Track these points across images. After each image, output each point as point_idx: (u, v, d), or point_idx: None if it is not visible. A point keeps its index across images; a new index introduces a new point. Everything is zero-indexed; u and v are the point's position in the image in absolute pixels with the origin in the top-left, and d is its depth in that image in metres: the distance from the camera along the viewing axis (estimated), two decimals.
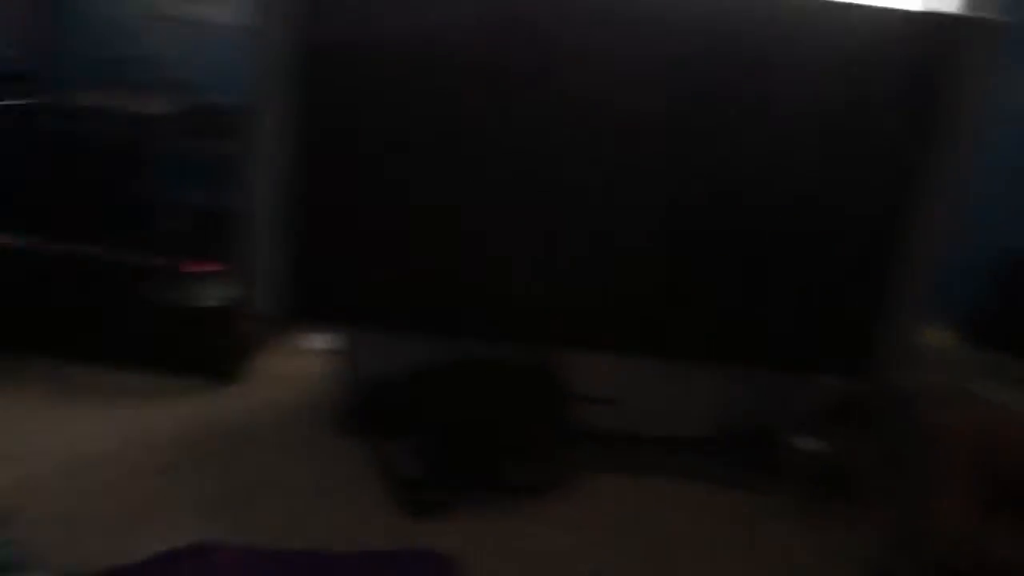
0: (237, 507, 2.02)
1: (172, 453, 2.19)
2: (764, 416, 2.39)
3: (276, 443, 2.29)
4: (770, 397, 2.39)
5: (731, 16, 2.04)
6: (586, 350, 2.33)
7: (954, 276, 2.37)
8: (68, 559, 1.70)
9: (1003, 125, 2.37)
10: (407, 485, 2.11)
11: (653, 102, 2.08)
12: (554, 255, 2.20)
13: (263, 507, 2.03)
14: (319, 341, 2.70)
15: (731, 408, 2.42)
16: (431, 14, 2.07)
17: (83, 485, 2.03)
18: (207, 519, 1.95)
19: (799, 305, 2.28)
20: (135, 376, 2.53)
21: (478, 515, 2.09)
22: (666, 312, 2.26)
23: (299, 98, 2.12)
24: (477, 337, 2.29)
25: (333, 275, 2.27)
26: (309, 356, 2.74)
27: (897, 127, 2.11)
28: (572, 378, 2.36)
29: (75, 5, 3.00)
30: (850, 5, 2.06)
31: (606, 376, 2.41)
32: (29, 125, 2.67)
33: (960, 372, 2.58)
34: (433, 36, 2.06)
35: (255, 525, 1.94)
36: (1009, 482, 1.79)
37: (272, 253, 2.26)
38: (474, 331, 2.28)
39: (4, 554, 1.66)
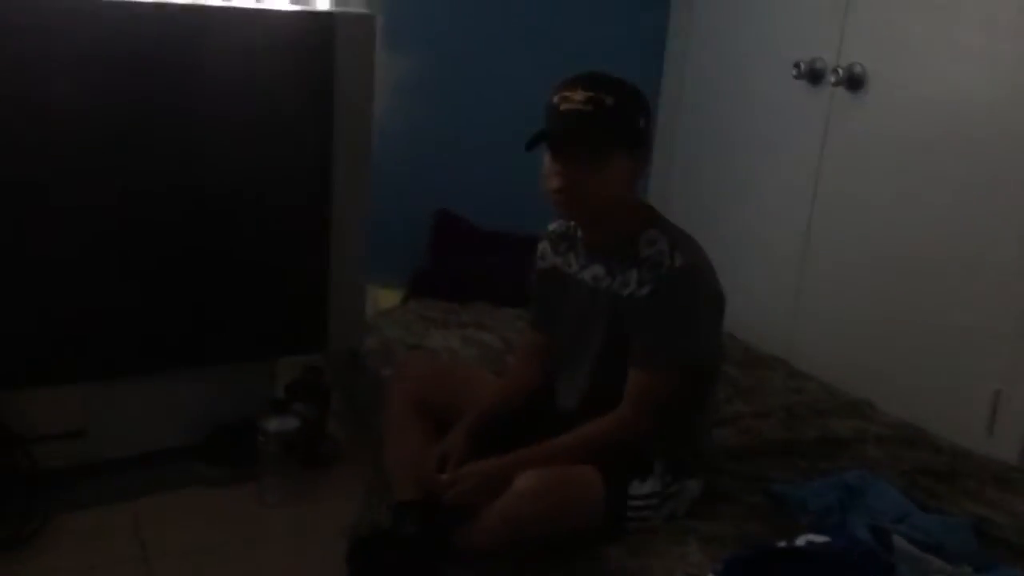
0: None
1: None
2: (243, 407, 2.31)
3: None
4: (244, 388, 2.37)
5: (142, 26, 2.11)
6: (40, 385, 2.16)
7: (394, 239, 2.80)
8: None
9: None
10: None
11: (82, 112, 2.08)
12: None
13: None
14: None
15: (213, 407, 2.37)
16: None
17: None
18: None
19: (250, 297, 2.35)
20: None
21: None
22: (117, 326, 2.21)
23: None
24: None
25: None
26: None
27: (301, 115, 2.37)
28: (28, 418, 2.15)
29: None
30: (231, 9, 2.45)
31: (69, 407, 2.22)
32: None
33: (411, 326, 2.70)
34: None
35: None
36: (446, 420, 1.94)
37: None
38: None
39: None
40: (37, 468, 2.13)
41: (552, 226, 1.96)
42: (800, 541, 1.51)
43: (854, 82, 2.51)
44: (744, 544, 1.66)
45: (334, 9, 2.71)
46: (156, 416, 2.35)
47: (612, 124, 1.69)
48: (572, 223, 1.90)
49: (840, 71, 2.52)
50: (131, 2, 2.10)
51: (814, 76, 2.64)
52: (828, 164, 2.65)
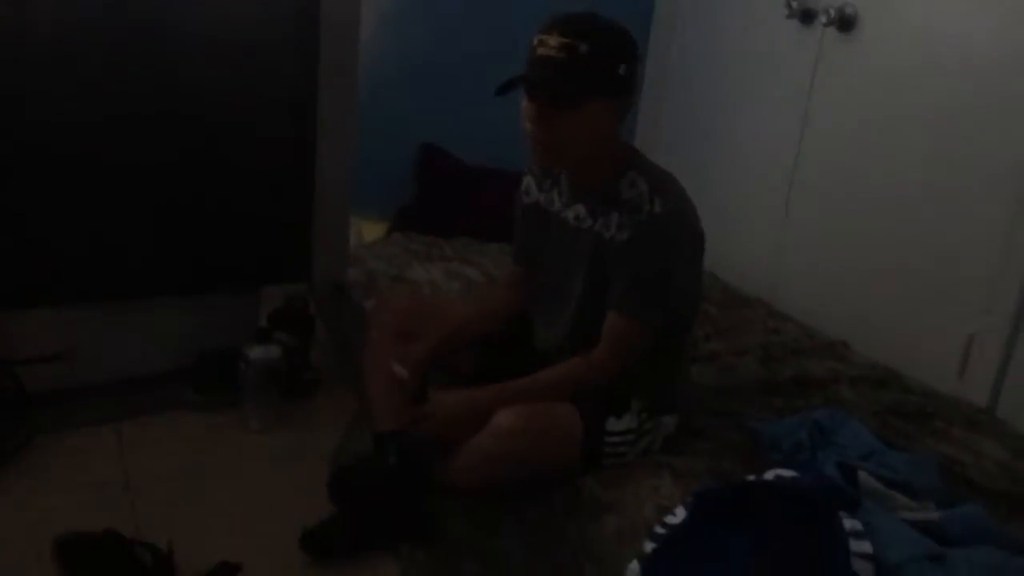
0: None
1: None
2: (227, 335, 2.32)
3: None
4: (228, 316, 2.38)
5: None
6: (24, 308, 2.19)
7: (380, 172, 2.82)
8: None
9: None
10: None
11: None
12: None
13: None
14: None
15: (197, 334, 2.39)
16: None
17: None
18: None
19: (235, 225, 2.36)
20: None
21: None
22: (105, 252, 2.23)
23: None
24: None
25: None
26: None
27: (286, 43, 2.33)
28: (13, 340, 2.19)
29: None
30: None
31: (54, 330, 2.24)
32: None
33: (394, 259, 2.71)
34: None
35: None
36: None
37: None
38: None
39: None
40: (22, 390, 2.15)
41: None
42: (769, 475, 1.55)
43: (845, 23, 2.50)
44: (716, 478, 1.70)
45: None
46: (141, 341, 2.36)
47: (585, 72, 1.64)
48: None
49: (832, 11, 2.50)
50: None
51: (806, 16, 2.62)
52: (816, 105, 2.64)
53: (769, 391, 2.15)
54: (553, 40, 1.64)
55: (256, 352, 2.26)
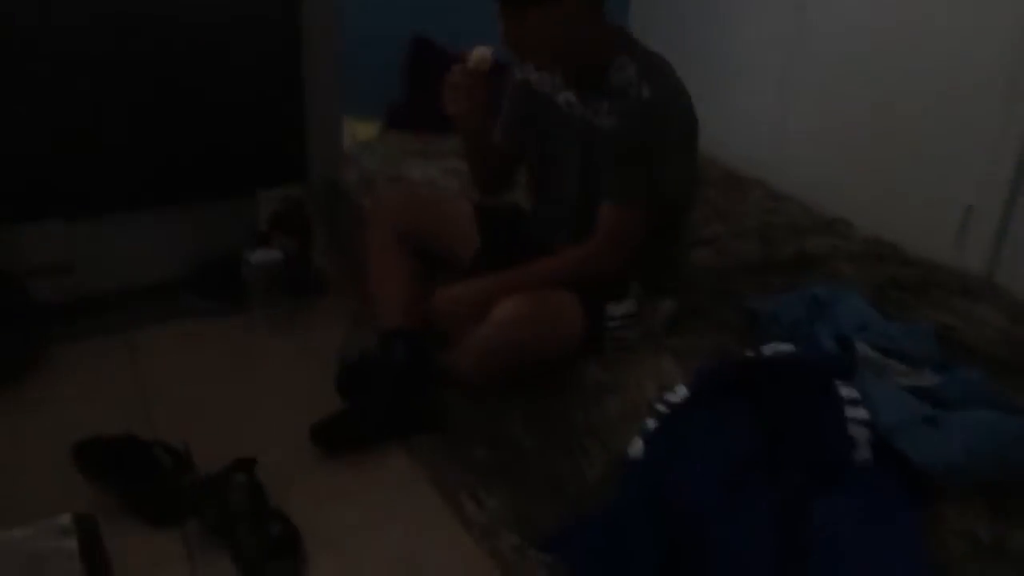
0: None
1: None
2: (228, 241, 2.36)
3: None
4: (228, 222, 2.41)
5: None
6: (25, 220, 2.21)
7: (371, 70, 2.77)
8: None
9: None
10: None
11: None
12: None
13: None
14: None
15: (199, 242, 2.43)
16: None
17: None
18: None
19: (227, 130, 2.36)
20: None
21: None
22: (103, 163, 2.25)
23: None
24: None
25: None
26: None
27: None
28: (16, 254, 2.21)
29: None
30: None
31: (56, 243, 2.26)
32: None
33: (390, 158, 2.69)
34: None
35: None
36: (427, 246, 1.99)
37: None
38: None
39: None
40: (30, 302, 2.18)
41: None
42: (767, 351, 1.57)
43: None
44: (716, 356, 1.73)
45: None
46: (143, 251, 2.38)
47: None
48: None
49: None
50: None
51: None
52: None
53: (769, 270, 2.16)
54: None
55: (258, 256, 2.28)
